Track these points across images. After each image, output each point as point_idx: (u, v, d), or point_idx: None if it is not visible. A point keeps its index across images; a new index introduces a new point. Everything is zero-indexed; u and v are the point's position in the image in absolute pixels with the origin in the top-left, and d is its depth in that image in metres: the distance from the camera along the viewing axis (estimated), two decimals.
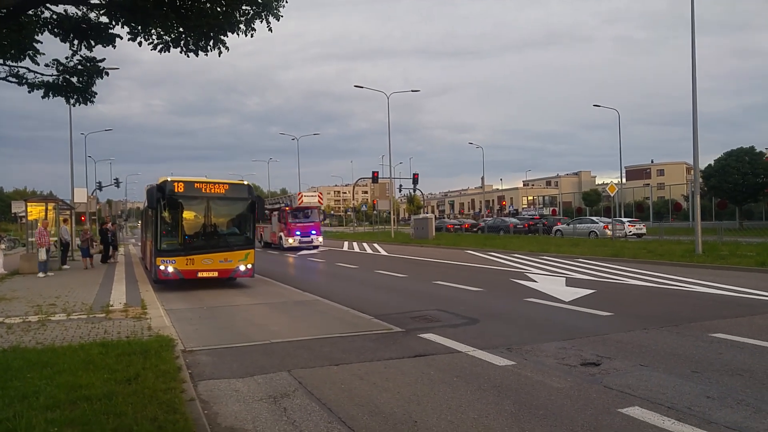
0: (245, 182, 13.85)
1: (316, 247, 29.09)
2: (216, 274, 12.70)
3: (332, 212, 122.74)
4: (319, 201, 30.01)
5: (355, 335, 7.66)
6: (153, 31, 5.64)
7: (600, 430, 4.17)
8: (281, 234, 28.72)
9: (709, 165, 38.43)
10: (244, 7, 5.55)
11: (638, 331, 7.62)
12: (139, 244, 28.19)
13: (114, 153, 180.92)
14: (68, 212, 23.12)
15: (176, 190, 12.37)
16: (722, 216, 39.44)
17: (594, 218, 36.61)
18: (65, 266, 18.59)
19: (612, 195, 33.17)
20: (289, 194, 31.05)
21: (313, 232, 28.84)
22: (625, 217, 39.40)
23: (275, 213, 30.30)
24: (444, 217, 77.21)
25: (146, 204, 14.72)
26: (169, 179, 12.58)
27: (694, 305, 9.71)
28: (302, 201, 28.50)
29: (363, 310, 9.63)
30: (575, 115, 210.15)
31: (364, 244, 33.49)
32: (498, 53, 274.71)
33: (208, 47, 5.77)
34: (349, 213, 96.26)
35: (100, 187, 45.61)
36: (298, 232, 28.26)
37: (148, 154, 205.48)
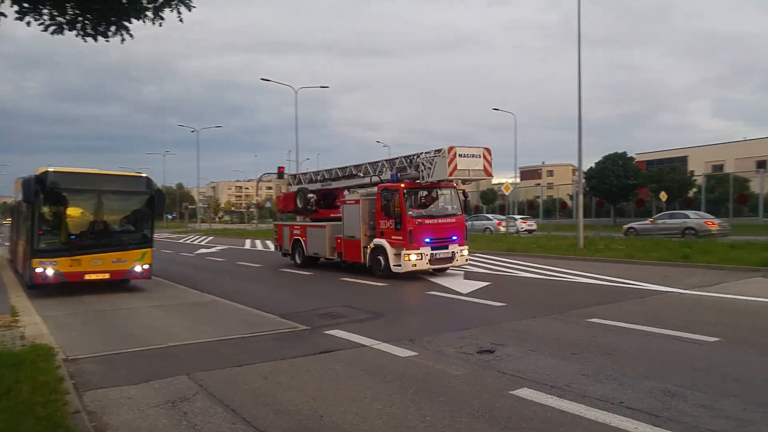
0: (143, 174, 12.74)
1: (448, 267, 14.18)
2: (108, 276, 11.60)
3: (233, 209, 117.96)
4: (486, 170, 13.75)
5: (260, 335, 7.50)
6: (45, 10, 5.03)
7: (494, 411, 4.51)
8: (382, 243, 13.42)
9: (591, 167, 42.94)
10: None
11: (528, 319, 8.31)
12: (8, 243, 24.92)
13: None
14: None
15: (59, 182, 11.11)
16: (600, 213, 44.31)
17: (489, 215, 38.99)
18: None
19: (507, 194, 35.50)
20: (417, 155, 13.78)
21: (454, 237, 13.70)
22: (518, 214, 42.47)
23: (351, 199, 15.27)
24: None
25: (20, 198, 13.07)
26: (50, 169, 11.20)
27: (575, 294, 10.79)
28: (456, 168, 12.82)
29: (267, 309, 9.43)
30: (477, 117, 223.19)
31: (268, 242, 32.56)
32: (407, 53, 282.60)
33: (109, 32, 5.24)
34: (251, 210, 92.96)
35: None
36: (427, 239, 13.11)
37: (20, 142, 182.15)
